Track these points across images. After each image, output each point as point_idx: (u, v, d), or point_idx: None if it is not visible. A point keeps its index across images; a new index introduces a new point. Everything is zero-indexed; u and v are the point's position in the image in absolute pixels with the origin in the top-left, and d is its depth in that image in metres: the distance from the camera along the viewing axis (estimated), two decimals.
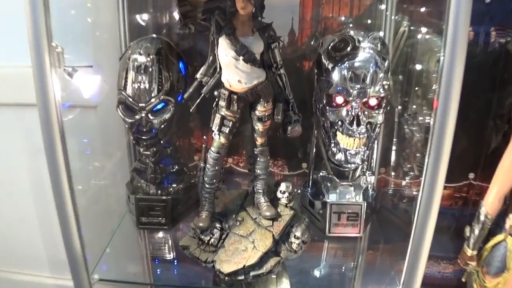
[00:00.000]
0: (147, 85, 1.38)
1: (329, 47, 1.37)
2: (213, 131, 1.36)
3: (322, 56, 1.40)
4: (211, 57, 1.30)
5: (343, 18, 1.62)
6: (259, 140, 1.41)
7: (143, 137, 1.44)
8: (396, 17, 1.56)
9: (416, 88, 1.62)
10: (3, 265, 2.20)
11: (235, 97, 1.30)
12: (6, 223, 2.09)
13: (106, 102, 1.58)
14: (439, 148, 1.11)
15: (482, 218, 1.40)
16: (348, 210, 1.49)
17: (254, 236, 1.42)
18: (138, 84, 1.38)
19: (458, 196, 1.77)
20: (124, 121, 1.43)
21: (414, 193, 1.67)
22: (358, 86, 1.32)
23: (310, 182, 1.64)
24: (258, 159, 1.44)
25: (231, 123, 1.33)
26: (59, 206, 1.21)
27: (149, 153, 1.47)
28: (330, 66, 1.36)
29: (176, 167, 1.60)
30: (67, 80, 1.26)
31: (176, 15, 1.59)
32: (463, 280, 1.59)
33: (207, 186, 1.44)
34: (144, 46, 1.40)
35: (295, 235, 1.43)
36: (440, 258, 1.86)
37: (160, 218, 1.53)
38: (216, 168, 1.41)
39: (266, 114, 1.35)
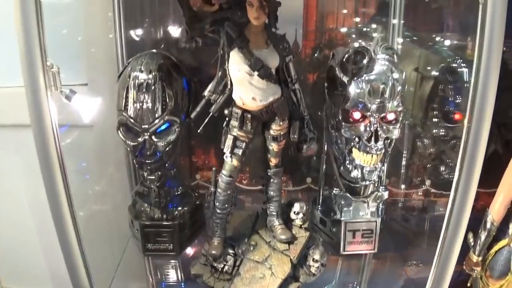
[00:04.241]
0: (150, 105, 1.10)
1: (344, 59, 1.12)
2: (224, 153, 1.10)
3: (336, 69, 1.14)
4: (220, 73, 1.05)
5: (345, 29, 1.38)
6: (273, 161, 1.16)
7: (147, 161, 1.15)
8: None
9: (430, 101, 1.39)
10: (9, 283, 1.91)
11: (249, 116, 1.05)
12: (8, 243, 1.78)
13: (103, 121, 1.29)
14: (473, 159, 1.00)
15: (488, 225, 1.32)
16: (363, 228, 1.25)
17: (270, 261, 1.19)
18: (140, 104, 1.10)
19: None
20: (126, 144, 1.14)
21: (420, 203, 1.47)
22: (378, 100, 1.07)
23: (320, 199, 1.37)
24: (272, 180, 1.19)
25: (244, 144, 1.08)
26: (61, 237, 1.01)
27: (153, 177, 1.17)
28: (345, 80, 1.11)
29: (181, 189, 1.30)
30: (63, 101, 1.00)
31: (177, 30, 1.32)
32: (469, 285, 1.45)
33: (218, 211, 1.18)
34: (144, 62, 1.12)
35: (313, 258, 1.20)
36: None
37: (167, 245, 1.24)
38: (228, 192, 1.15)
39: (282, 133, 1.11)
